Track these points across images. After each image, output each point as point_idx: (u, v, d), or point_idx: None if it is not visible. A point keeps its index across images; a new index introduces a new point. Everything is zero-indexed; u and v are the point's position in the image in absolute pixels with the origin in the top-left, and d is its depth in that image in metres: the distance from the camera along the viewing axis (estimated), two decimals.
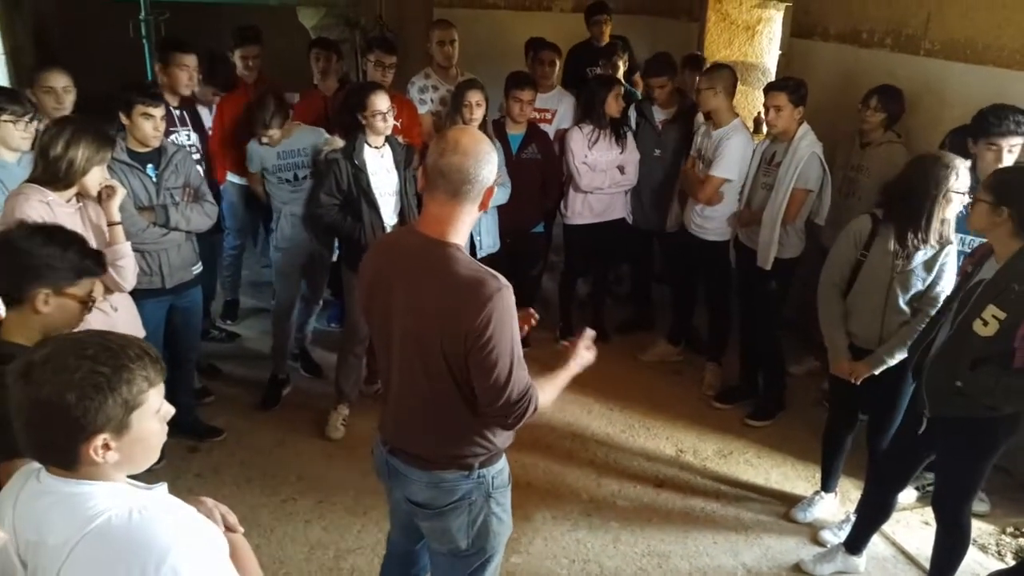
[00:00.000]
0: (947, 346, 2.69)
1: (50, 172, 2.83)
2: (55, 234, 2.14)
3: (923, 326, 2.96)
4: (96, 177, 2.93)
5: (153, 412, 1.36)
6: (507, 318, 1.88)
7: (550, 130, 4.88)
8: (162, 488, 1.42)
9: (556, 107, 4.98)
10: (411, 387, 2.04)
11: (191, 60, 4.13)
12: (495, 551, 2.25)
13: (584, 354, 2.21)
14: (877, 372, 3.15)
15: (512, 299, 1.91)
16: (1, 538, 1.31)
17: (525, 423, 2.00)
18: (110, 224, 3.01)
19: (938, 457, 2.90)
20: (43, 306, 2.04)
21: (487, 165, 1.93)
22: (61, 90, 3.62)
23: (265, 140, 4.02)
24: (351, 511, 3.47)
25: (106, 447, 1.30)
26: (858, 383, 3.20)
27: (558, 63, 5.07)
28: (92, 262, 2.17)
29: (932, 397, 2.74)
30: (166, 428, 1.41)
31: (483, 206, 1.98)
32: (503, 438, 2.13)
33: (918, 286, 3.04)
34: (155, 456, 1.41)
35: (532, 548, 3.32)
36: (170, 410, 1.41)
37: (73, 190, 2.91)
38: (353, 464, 3.72)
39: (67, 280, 2.08)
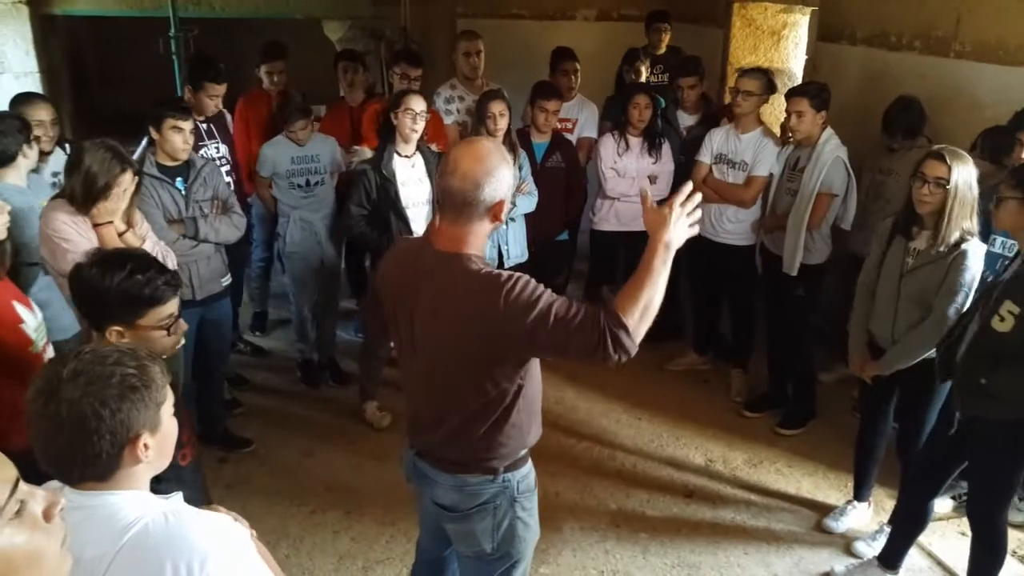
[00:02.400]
0: (972, 344, 2.68)
1: (71, 192, 2.84)
2: (112, 267, 1.98)
3: (933, 329, 2.93)
4: (109, 208, 2.83)
5: (170, 408, 1.41)
6: (530, 285, 1.85)
7: (571, 139, 4.89)
8: (178, 496, 1.44)
9: (577, 116, 4.99)
10: (434, 392, 2.05)
11: (221, 90, 4.19)
12: (522, 556, 2.24)
13: (679, 214, 1.88)
14: (886, 374, 3.13)
15: (529, 278, 1.90)
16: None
17: (636, 334, 1.84)
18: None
19: (970, 462, 2.84)
20: (119, 340, 1.95)
21: (488, 185, 1.89)
22: (49, 123, 3.57)
23: (292, 136, 4.12)
24: (379, 522, 3.48)
25: (146, 446, 1.34)
26: (869, 382, 3.22)
27: (579, 72, 5.07)
28: (152, 290, 1.98)
29: (962, 396, 2.72)
30: (176, 423, 1.45)
31: (496, 219, 1.96)
32: (527, 439, 2.13)
33: (928, 285, 2.97)
34: (172, 453, 1.45)
35: (560, 559, 3.29)
36: (172, 405, 1.45)
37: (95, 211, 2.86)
38: (381, 475, 3.72)
39: (130, 316, 1.97)
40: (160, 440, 1.37)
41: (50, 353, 2.47)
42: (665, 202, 1.95)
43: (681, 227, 1.91)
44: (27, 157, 3.19)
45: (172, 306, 2.04)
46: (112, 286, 1.95)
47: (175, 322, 2.06)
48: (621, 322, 1.82)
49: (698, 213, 1.94)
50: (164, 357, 2.06)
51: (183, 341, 2.13)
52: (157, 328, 2.01)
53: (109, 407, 1.27)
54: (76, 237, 2.77)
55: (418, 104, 3.80)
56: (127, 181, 2.86)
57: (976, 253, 2.90)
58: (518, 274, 1.89)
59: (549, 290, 1.89)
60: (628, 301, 1.85)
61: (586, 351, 1.84)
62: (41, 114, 3.54)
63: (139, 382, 1.32)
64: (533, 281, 1.88)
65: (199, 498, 2.01)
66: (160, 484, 1.52)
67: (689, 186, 1.96)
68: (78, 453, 1.30)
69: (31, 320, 2.38)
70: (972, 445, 2.78)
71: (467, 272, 1.92)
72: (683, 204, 1.92)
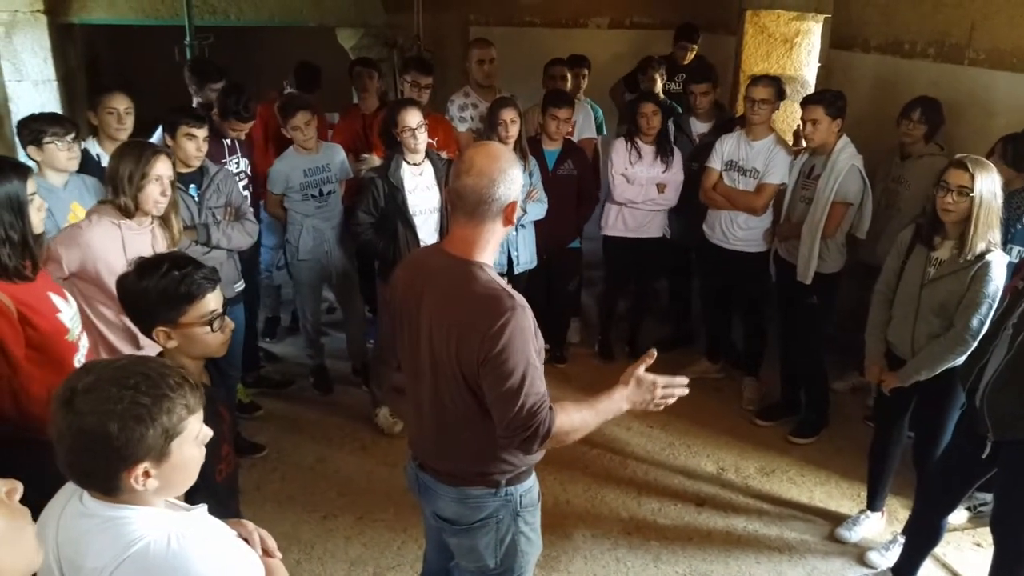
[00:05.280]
0: (1011, 368, 2.58)
1: (114, 195, 2.82)
2: (149, 268, 1.98)
3: (956, 340, 2.90)
4: (151, 194, 2.80)
5: (193, 438, 1.37)
6: (524, 334, 1.85)
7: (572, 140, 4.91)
8: (201, 509, 1.43)
9: (575, 118, 5.00)
10: (435, 403, 2.03)
11: (246, 127, 4.16)
12: (523, 571, 2.24)
13: (639, 381, 2.01)
14: (907, 385, 3.10)
15: (528, 318, 1.88)
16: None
17: (545, 445, 1.91)
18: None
19: (1001, 477, 2.76)
20: (167, 341, 1.98)
21: (503, 183, 1.90)
22: (123, 112, 3.69)
23: (296, 133, 4.08)
24: (391, 528, 3.48)
25: (146, 475, 1.31)
26: (887, 392, 3.20)
27: (578, 76, 5.10)
28: (189, 285, 1.97)
29: (997, 421, 2.62)
30: (204, 451, 1.42)
31: (507, 222, 1.96)
32: (528, 457, 2.10)
33: (950, 296, 2.94)
34: (193, 480, 1.42)
35: (572, 567, 3.29)
36: (209, 433, 1.41)
37: (145, 216, 2.86)
38: (393, 481, 3.73)
39: (172, 314, 1.96)
40: (168, 471, 1.34)
41: (84, 343, 2.51)
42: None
43: (641, 399, 2.02)
44: (66, 151, 3.19)
45: (213, 302, 2.02)
46: (150, 286, 1.95)
47: (220, 318, 2.03)
48: (550, 430, 1.87)
49: (669, 401, 2.04)
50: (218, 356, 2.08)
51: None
52: (200, 324, 1.99)
53: (108, 431, 1.25)
54: (76, 265, 2.74)
55: (413, 119, 3.77)
56: (163, 167, 2.82)
57: (999, 264, 2.86)
58: (526, 310, 1.88)
59: (542, 355, 1.90)
60: (567, 418, 1.92)
61: (506, 426, 1.87)
62: (115, 102, 3.70)
63: (147, 413, 1.28)
64: (534, 328, 1.89)
65: (231, 512, 1.99)
66: (193, 496, 1.51)
67: (683, 380, 2.04)
68: (75, 464, 1.30)
69: (67, 309, 2.43)
70: (1008, 467, 2.70)
71: (474, 279, 1.91)
72: (664, 387, 2.02)
